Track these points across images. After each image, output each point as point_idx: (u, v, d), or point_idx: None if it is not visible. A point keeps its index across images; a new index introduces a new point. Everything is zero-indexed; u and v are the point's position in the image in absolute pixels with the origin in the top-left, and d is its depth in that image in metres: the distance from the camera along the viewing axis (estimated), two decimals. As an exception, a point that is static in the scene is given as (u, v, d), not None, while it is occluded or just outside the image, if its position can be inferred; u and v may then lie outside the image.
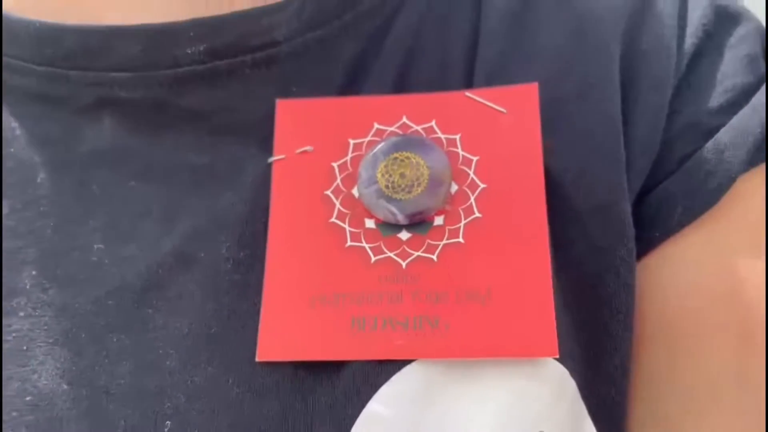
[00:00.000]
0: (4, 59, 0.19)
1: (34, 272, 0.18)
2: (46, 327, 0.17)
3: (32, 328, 0.17)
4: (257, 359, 0.16)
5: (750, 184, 0.18)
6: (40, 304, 0.17)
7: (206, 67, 0.18)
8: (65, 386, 0.16)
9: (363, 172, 0.17)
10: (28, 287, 0.17)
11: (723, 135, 0.18)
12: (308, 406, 0.16)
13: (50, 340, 0.17)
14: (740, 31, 0.19)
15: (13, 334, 0.17)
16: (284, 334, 0.16)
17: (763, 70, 0.19)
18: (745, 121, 0.18)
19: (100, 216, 0.18)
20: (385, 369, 0.16)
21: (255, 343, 0.16)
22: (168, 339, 0.17)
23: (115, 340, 0.17)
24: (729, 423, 0.16)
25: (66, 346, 0.17)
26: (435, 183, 0.17)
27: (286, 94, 0.18)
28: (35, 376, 0.17)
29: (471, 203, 0.17)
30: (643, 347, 0.18)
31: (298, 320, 0.16)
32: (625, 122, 0.18)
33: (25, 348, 0.17)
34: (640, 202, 0.18)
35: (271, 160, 0.18)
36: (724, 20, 0.19)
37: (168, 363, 0.16)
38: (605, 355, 0.17)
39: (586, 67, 0.18)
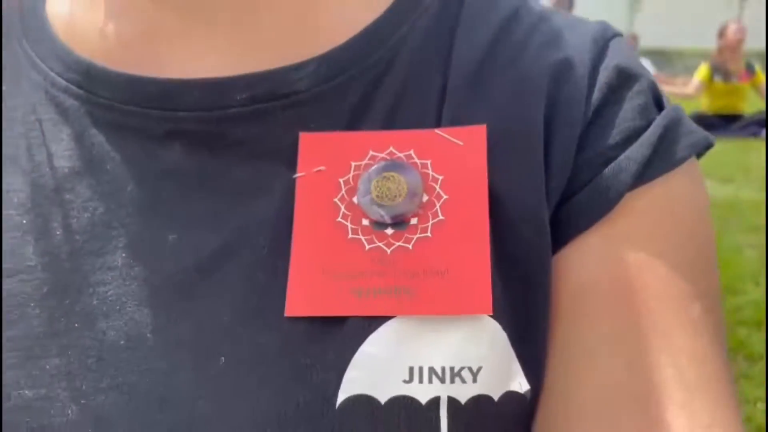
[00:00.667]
0: (95, 98, 0.26)
1: (124, 255, 0.24)
2: (132, 294, 0.24)
3: (123, 294, 0.24)
4: (286, 314, 0.23)
5: (637, 198, 0.25)
6: (129, 277, 0.24)
7: (249, 109, 0.25)
8: (148, 335, 0.23)
9: (360, 186, 0.24)
10: (119, 265, 0.24)
11: (618, 163, 0.25)
12: (320, 348, 0.23)
13: (136, 302, 0.24)
14: (637, 87, 0.26)
15: (110, 299, 0.24)
16: (305, 297, 0.23)
17: (653, 116, 0.26)
18: (634, 153, 0.25)
19: (172, 216, 0.25)
20: (374, 322, 0.22)
21: (283, 306, 0.23)
22: (221, 305, 0.24)
23: (181, 304, 0.24)
24: (602, 379, 0.23)
25: (147, 307, 0.24)
26: (412, 194, 0.24)
27: (307, 128, 0.25)
28: (126, 327, 0.24)
29: (437, 209, 0.24)
30: (554, 314, 0.25)
31: (314, 288, 0.23)
32: (546, 154, 0.25)
33: (118, 308, 0.24)
34: (558, 210, 0.25)
35: (295, 176, 0.25)
36: (625, 79, 0.26)
37: (222, 319, 0.23)
38: (530, 317, 0.24)
39: (520, 113, 0.25)
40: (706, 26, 18.12)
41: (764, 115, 5.10)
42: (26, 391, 0.23)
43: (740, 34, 5.08)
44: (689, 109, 5.49)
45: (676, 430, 0.22)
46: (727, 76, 5.13)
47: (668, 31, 18.09)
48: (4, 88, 0.28)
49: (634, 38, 7.30)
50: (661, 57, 18.30)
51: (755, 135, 5.02)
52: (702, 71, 5.21)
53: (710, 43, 18.11)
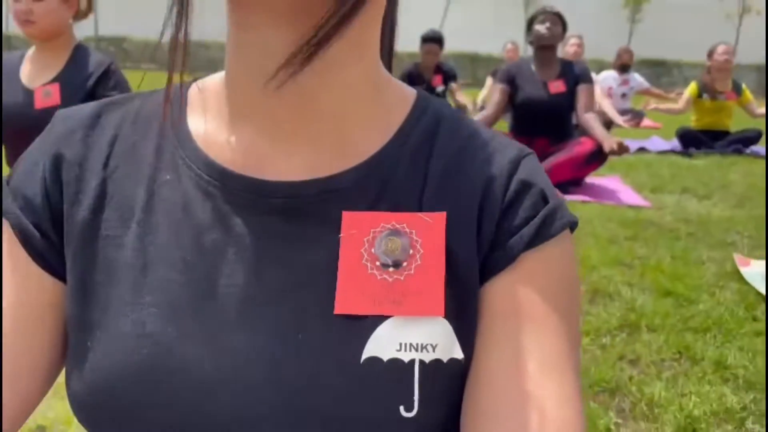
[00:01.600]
0: (227, 189, 0.46)
1: (242, 273, 0.44)
2: (252, 297, 0.44)
3: (246, 296, 0.44)
4: (335, 312, 0.43)
5: (527, 259, 0.45)
6: (250, 285, 0.44)
7: (317, 198, 0.44)
8: (260, 321, 0.44)
9: (376, 243, 0.44)
10: (242, 281, 0.44)
11: (517, 237, 0.45)
12: (351, 332, 0.43)
13: (256, 304, 0.44)
14: (532, 191, 0.46)
15: (237, 300, 0.44)
16: (345, 302, 0.43)
17: (540, 208, 0.46)
18: (526, 232, 0.45)
19: (273, 256, 0.45)
20: (382, 318, 0.43)
21: (333, 308, 0.43)
22: (303, 304, 0.44)
23: (276, 304, 0.44)
24: (499, 358, 0.43)
25: (257, 306, 0.44)
26: (403, 250, 0.44)
27: (347, 209, 0.45)
28: (246, 311, 0.44)
29: (417, 258, 0.44)
30: (479, 318, 0.45)
31: (350, 297, 0.43)
32: (478, 230, 0.45)
33: (242, 307, 0.44)
34: (484, 262, 0.45)
35: (340, 236, 0.45)
36: (525, 187, 0.46)
37: (301, 312, 0.44)
38: (465, 319, 0.44)
39: (465, 206, 0.45)
40: (705, 39, 18.26)
41: (748, 134, 5.33)
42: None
43: (727, 55, 5.29)
44: (678, 123, 5.71)
45: (537, 394, 0.41)
46: (714, 94, 5.35)
47: (667, 42, 18.35)
48: (168, 177, 0.47)
49: (628, 52, 7.50)
50: (659, 67, 18.58)
51: (739, 152, 5.24)
52: (691, 88, 5.43)
53: (704, 57, 18.04)
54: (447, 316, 0.42)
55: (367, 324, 0.41)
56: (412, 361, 0.41)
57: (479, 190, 0.45)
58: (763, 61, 17.36)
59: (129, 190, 0.45)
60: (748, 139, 5.29)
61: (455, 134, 0.48)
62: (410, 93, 0.50)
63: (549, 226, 0.45)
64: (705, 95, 5.35)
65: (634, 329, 1.67)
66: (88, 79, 2.10)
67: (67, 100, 2.07)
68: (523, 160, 0.47)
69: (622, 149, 3.17)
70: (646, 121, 7.54)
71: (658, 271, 2.13)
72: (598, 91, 5.61)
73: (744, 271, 2.12)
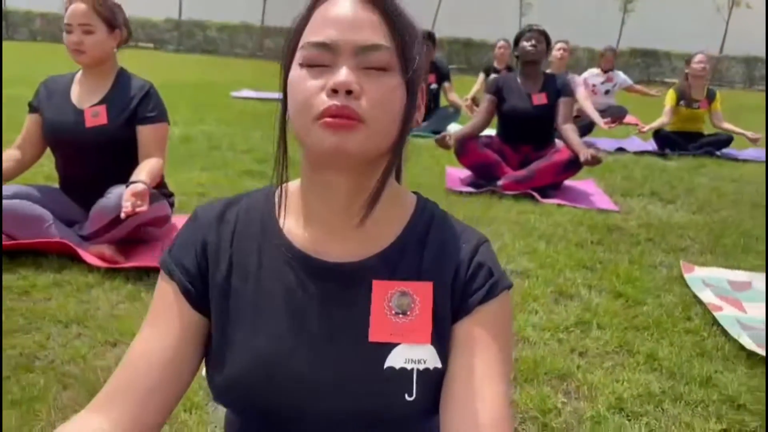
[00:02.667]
0: (308, 267, 0.81)
1: (315, 317, 0.80)
2: (315, 334, 0.80)
3: (312, 332, 0.80)
4: (369, 340, 0.78)
5: (479, 310, 0.80)
6: (313, 326, 0.79)
7: (358, 274, 0.81)
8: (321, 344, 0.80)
9: (392, 299, 0.80)
10: (316, 326, 0.80)
11: (473, 297, 0.80)
12: (378, 352, 0.78)
13: (318, 339, 0.80)
14: (484, 269, 0.81)
15: (312, 330, 0.80)
16: (376, 334, 0.79)
17: (488, 280, 0.82)
18: (479, 295, 0.79)
19: (331, 304, 0.80)
20: (396, 344, 0.78)
21: (367, 337, 0.79)
22: (350, 335, 0.80)
23: (329, 336, 0.80)
24: (462, 367, 0.78)
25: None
26: (408, 304, 0.79)
27: (377, 278, 0.80)
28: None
29: (416, 309, 0.79)
30: (451, 344, 0.80)
31: (378, 331, 0.79)
32: (452, 293, 0.80)
33: (311, 338, 0.80)
34: (454, 312, 0.80)
35: (371, 296, 0.80)
36: (480, 266, 0.81)
37: (347, 338, 0.79)
38: (442, 345, 0.79)
39: (446, 276, 0.81)
40: (695, 30, 18.53)
41: (720, 137, 5.71)
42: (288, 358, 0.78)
43: (704, 64, 5.64)
44: (657, 117, 6.03)
45: (482, 391, 0.76)
46: (690, 102, 5.71)
47: (658, 33, 18.68)
48: (268, 254, 0.83)
49: (612, 50, 7.82)
50: (649, 57, 18.92)
51: (710, 154, 5.62)
52: (671, 96, 5.78)
53: (698, 48, 18.57)
54: (432, 344, 0.76)
55: (388, 347, 0.75)
56: (413, 369, 0.75)
57: (453, 268, 0.80)
58: (751, 53, 17.75)
59: (246, 262, 0.79)
60: (719, 142, 5.67)
61: (440, 230, 0.83)
62: (413, 198, 0.85)
63: (493, 291, 0.79)
64: (682, 102, 5.71)
65: (587, 326, 2.05)
66: (131, 102, 2.44)
67: (113, 120, 2.42)
68: (480, 247, 0.82)
69: (596, 160, 3.53)
70: (629, 118, 7.89)
71: (615, 274, 2.51)
72: (582, 92, 5.97)
73: (687, 276, 2.50)
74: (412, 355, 0.77)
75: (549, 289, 2.34)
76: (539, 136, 3.92)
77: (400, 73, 0.74)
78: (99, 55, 2.42)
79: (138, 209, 2.09)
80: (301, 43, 0.76)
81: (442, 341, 0.77)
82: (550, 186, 3.81)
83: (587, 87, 7.86)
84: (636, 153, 5.57)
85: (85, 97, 2.46)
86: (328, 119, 0.70)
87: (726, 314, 2.14)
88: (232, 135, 5.21)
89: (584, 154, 3.55)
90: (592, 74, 7.93)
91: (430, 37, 6.08)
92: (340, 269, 0.78)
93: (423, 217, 0.84)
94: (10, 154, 2.48)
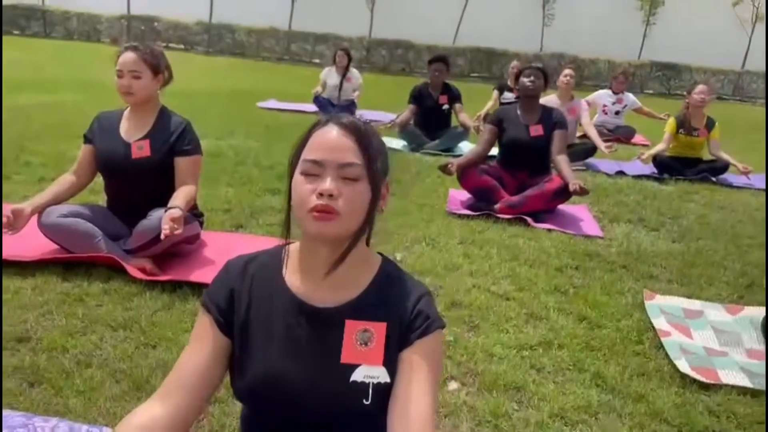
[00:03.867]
0: (302, 308, 1.20)
1: (301, 343, 1.18)
2: (295, 351, 1.18)
3: (294, 351, 1.18)
4: (341, 361, 1.17)
5: (420, 343, 1.17)
6: (296, 349, 1.18)
7: (335, 318, 1.19)
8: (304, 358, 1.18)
9: (358, 335, 1.17)
10: (304, 347, 1.19)
11: (415, 334, 1.17)
12: (347, 369, 1.16)
13: (301, 355, 1.18)
14: (423, 314, 1.16)
15: (281, 343, 1.18)
16: (346, 357, 1.17)
17: (427, 323, 1.19)
18: (419, 332, 1.18)
19: (309, 335, 1.19)
20: (358, 365, 1.16)
21: (339, 359, 1.17)
22: (324, 356, 1.18)
23: (312, 353, 1.18)
24: (400, 385, 1.15)
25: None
26: (370, 338, 1.16)
27: (347, 319, 1.19)
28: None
29: (373, 340, 1.17)
30: (399, 367, 1.18)
31: (348, 356, 1.17)
32: (400, 330, 1.17)
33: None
34: (400, 343, 1.18)
35: (344, 333, 1.18)
36: (420, 313, 1.18)
37: (322, 358, 1.17)
38: (392, 366, 1.17)
39: (397, 318, 1.18)
40: (718, 45, 18.62)
41: (717, 164, 6.00)
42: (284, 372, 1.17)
43: (704, 95, 5.93)
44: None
45: (417, 401, 1.13)
46: (689, 130, 6.01)
47: (681, 46, 18.77)
48: (276, 301, 1.22)
49: (624, 74, 8.11)
50: (670, 71, 19.06)
51: (706, 179, 5.92)
52: (671, 125, 6.08)
53: (719, 63, 18.84)
54: (384, 365, 1.15)
55: (353, 367, 1.14)
56: (369, 383, 1.14)
57: (401, 313, 1.19)
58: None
59: (260, 304, 1.19)
60: (716, 169, 5.96)
61: (394, 285, 1.22)
62: (378, 259, 1.24)
63: (428, 330, 1.18)
64: (682, 130, 6.01)
65: (548, 345, 2.42)
66: (171, 137, 2.86)
67: (155, 153, 2.83)
68: (422, 299, 1.21)
69: (583, 191, 3.88)
70: (638, 137, 8.18)
71: (584, 299, 2.87)
72: (586, 118, 6.30)
73: (647, 303, 2.85)
74: (369, 373, 1.16)
75: (523, 310, 2.71)
76: (535, 164, 4.27)
77: (368, 180, 1.13)
78: (145, 96, 2.84)
79: (175, 232, 2.51)
80: (302, 157, 1.15)
81: (391, 364, 1.16)
82: (544, 211, 4.16)
83: (599, 107, 8.18)
84: (635, 177, 5.87)
85: (132, 132, 2.88)
86: (316, 213, 1.09)
87: (672, 340, 2.49)
88: (258, 150, 5.63)
89: (573, 184, 3.90)
90: (604, 95, 8.25)
91: (444, 61, 6.47)
92: (323, 312, 1.18)
93: (383, 275, 1.23)
94: (66, 179, 2.91)
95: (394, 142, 6.38)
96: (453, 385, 2.10)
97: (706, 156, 6.12)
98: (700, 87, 6.05)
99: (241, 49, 20.60)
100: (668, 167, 5.99)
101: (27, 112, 6.58)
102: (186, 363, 1.19)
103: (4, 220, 2.59)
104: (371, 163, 1.14)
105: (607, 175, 5.88)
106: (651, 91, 18.87)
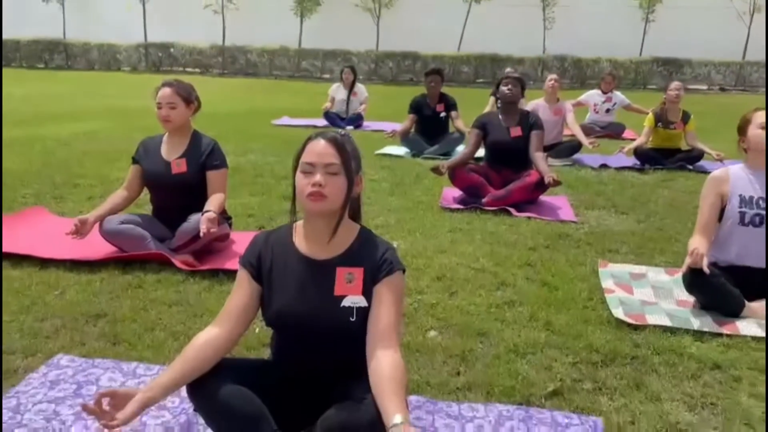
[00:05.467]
0: (305, 258, 1.81)
1: (297, 278, 1.81)
2: (295, 285, 1.80)
3: (298, 285, 1.81)
4: (335, 294, 1.78)
5: (387, 279, 1.77)
6: (299, 283, 1.80)
7: (328, 266, 1.81)
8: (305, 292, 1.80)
9: (345, 276, 1.80)
10: (298, 281, 1.81)
11: (383, 273, 1.78)
12: (338, 298, 1.78)
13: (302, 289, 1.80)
14: (388, 261, 1.77)
15: (293, 281, 1.81)
16: (338, 290, 1.78)
17: (392, 267, 1.80)
18: (385, 272, 1.79)
19: (311, 272, 1.80)
20: (347, 295, 1.79)
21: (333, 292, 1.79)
22: (319, 289, 1.80)
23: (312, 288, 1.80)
24: (375, 313, 1.76)
25: (289, 292, 1.80)
26: (355, 279, 1.79)
27: (338, 267, 1.81)
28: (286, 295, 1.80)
29: (356, 280, 1.80)
30: (373, 297, 1.79)
31: (340, 290, 1.79)
32: (372, 271, 1.79)
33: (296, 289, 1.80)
34: (373, 281, 1.78)
35: (336, 273, 1.81)
36: (386, 260, 1.77)
37: (318, 291, 1.79)
38: (368, 296, 1.78)
39: (372, 264, 1.78)
40: (717, 38, 19.01)
41: (694, 154, 6.54)
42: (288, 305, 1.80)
43: (678, 91, 6.50)
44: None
45: (385, 323, 1.73)
46: (666, 124, 6.57)
47: (680, 41, 19.17)
48: (291, 257, 1.85)
49: (611, 75, 8.67)
50: (671, 65, 19.48)
51: (683, 168, 6.46)
52: (649, 119, 6.65)
53: (720, 55, 19.38)
54: (363, 295, 1.79)
55: (343, 297, 1.79)
56: (354, 306, 1.78)
57: (374, 261, 1.82)
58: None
59: (278, 261, 1.85)
60: (691, 158, 6.50)
61: (369, 243, 1.86)
62: (357, 227, 1.88)
63: (392, 271, 1.81)
64: (660, 124, 6.57)
65: (512, 304, 3.01)
66: (202, 155, 3.51)
67: (191, 168, 3.49)
68: (387, 251, 1.84)
69: (556, 183, 4.48)
70: (628, 132, 8.72)
71: (548, 270, 3.46)
72: (570, 118, 6.88)
73: (600, 270, 3.42)
74: (353, 300, 1.77)
75: (496, 280, 3.31)
76: (517, 161, 4.87)
77: (345, 174, 1.76)
78: (180, 123, 3.50)
79: (211, 230, 3.15)
80: (300, 161, 1.78)
81: (368, 294, 1.78)
82: (527, 202, 4.75)
83: (590, 106, 8.75)
84: (617, 169, 6.42)
85: (171, 152, 3.54)
86: (311, 197, 1.72)
87: (614, 296, 3.06)
88: (273, 163, 6.29)
89: (548, 177, 4.49)
90: (594, 95, 8.81)
91: (439, 73, 7.10)
92: (321, 263, 1.81)
93: (361, 237, 1.86)
94: (119, 194, 3.57)
95: (398, 150, 7.00)
96: (432, 333, 2.70)
97: (685, 147, 6.66)
98: (674, 84, 6.61)
99: (254, 69, 21.41)
100: (649, 158, 6.54)
101: (66, 141, 7.31)
102: (231, 302, 1.83)
103: (74, 228, 3.25)
104: (347, 163, 1.78)
105: (592, 168, 6.45)
106: (654, 87, 19.27)
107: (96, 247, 3.43)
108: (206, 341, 1.77)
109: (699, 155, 6.47)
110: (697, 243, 2.94)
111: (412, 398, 2.17)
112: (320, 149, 1.77)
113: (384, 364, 1.67)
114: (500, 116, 4.95)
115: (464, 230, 4.19)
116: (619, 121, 8.83)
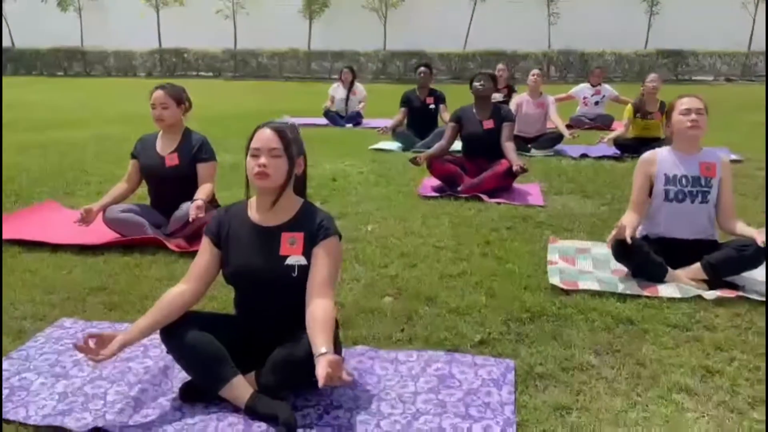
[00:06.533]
0: (254, 224, 2.22)
1: (249, 237, 2.21)
2: (247, 244, 2.21)
3: (248, 243, 2.21)
4: (280, 253, 2.18)
5: (323, 243, 2.15)
6: (250, 241, 2.21)
7: (276, 233, 2.21)
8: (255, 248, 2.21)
9: (288, 239, 2.21)
10: (250, 237, 2.21)
11: (321, 236, 2.17)
12: (283, 257, 2.18)
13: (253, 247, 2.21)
14: (325, 227, 2.17)
15: (245, 243, 2.21)
16: (283, 251, 2.19)
17: (328, 232, 2.19)
18: (323, 236, 2.19)
19: (261, 233, 2.21)
20: (291, 255, 2.20)
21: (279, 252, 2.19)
22: (266, 249, 2.20)
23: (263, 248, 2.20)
24: (314, 269, 2.16)
25: (243, 254, 2.21)
26: (297, 241, 2.20)
27: (284, 232, 2.22)
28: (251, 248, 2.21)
29: (298, 243, 2.19)
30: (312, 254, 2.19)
31: (285, 251, 2.19)
32: (310, 235, 2.20)
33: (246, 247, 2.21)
34: (312, 244, 2.18)
35: (281, 237, 2.21)
36: (323, 226, 2.17)
37: (266, 250, 2.19)
38: (308, 257, 2.17)
39: (311, 229, 2.19)
40: (723, 28, 19.12)
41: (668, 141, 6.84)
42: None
43: (655, 83, 6.81)
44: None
45: (322, 277, 2.12)
46: (645, 114, 6.90)
47: (685, 32, 19.32)
48: (243, 224, 2.25)
49: (600, 68, 8.98)
50: (676, 57, 19.62)
51: (660, 156, 6.76)
52: (628, 110, 6.98)
53: (725, 45, 19.55)
54: (303, 255, 2.19)
55: (287, 257, 2.19)
56: (296, 264, 2.19)
57: (313, 227, 2.23)
58: (775, 48, 18.29)
59: (235, 228, 2.27)
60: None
61: (310, 213, 2.27)
62: (301, 200, 2.29)
63: (327, 236, 2.22)
64: (638, 114, 6.90)
65: (463, 275, 3.39)
66: (193, 149, 3.94)
67: (182, 162, 3.92)
68: (324, 220, 2.25)
69: (523, 170, 4.84)
70: (616, 124, 9.00)
71: (503, 247, 3.82)
72: (553, 110, 7.22)
73: (550, 246, 3.78)
74: (295, 259, 2.18)
75: (454, 255, 3.69)
76: (490, 151, 5.23)
77: (286, 157, 2.16)
78: (172, 121, 3.92)
79: (199, 215, 3.57)
80: (250, 147, 2.19)
81: (308, 255, 2.18)
82: (501, 188, 5.12)
83: (579, 99, 9.07)
84: (597, 158, 6.75)
85: (165, 148, 3.97)
86: (257, 176, 2.14)
87: (556, 267, 3.43)
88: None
89: (515, 165, 4.86)
90: (584, 88, 9.13)
91: (428, 66, 7.49)
92: (270, 229, 2.21)
93: (303, 209, 2.26)
94: (120, 186, 4.01)
95: (391, 145, 7.39)
96: (387, 299, 3.10)
97: (664, 136, 6.96)
98: (652, 76, 6.93)
99: (265, 72, 21.93)
100: (628, 147, 6.86)
101: (82, 144, 7.81)
102: (196, 264, 2.24)
103: (80, 217, 3.69)
104: (288, 148, 2.17)
105: (572, 158, 6.79)
106: (660, 79, 19.50)
107: (100, 233, 3.87)
108: (175, 295, 2.19)
109: (675, 143, 6.77)
110: (627, 218, 3.30)
111: (358, 348, 2.57)
112: (265, 136, 2.17)
113: (317, 309, 2.06)
114: (474, 110, 5.32)
115: (435, 215, 4.57)
116: (608, 113, 9.13)
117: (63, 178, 5.78)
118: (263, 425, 2.05)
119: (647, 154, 3.46)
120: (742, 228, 3.21)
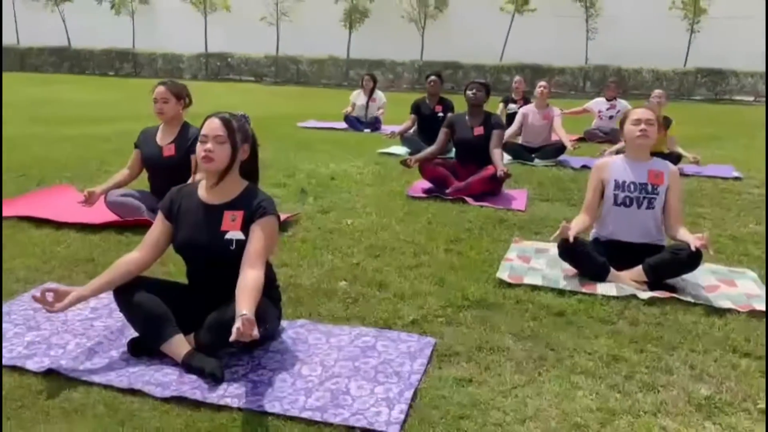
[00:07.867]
0: (204, 206, 2.52)
1: (196, 215, 2.52)
2: (193, 220, 2.51)
3: (197, 220, 2.51)
4: (221, 229, 2.48)
5: (260, 221, 2.45)
6: (198, 217, 2.51)
7: (220, 209, 2.50)
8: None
9: (229, 216, 2.50)
10: (198, 214, 2.51)
11: (259, 215, 2.46)
12: (223, 233, 2.48)
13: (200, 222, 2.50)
14: (264, 206, 2.48)
15: (192, 218, 2.51)
16: (224, 226, 2.49)
17: (265, 210, 2.48)
18: (260, 215, 2.47)
19: (207, 210, 2.52)
20: (230, 231, 2.49)
21: (220, 227, 2.49)
22: (210, 227, 2.50)
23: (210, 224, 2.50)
24: (251, 241, 2.47)
25: (190, 227, 2.51)
26: (237, 218, 2.49)
27: (226, 210, 2.52)
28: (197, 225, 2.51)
29: (237, 220, 2.49)
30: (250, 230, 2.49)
31: (226, 226, 2.49)
32: (249, 213, 2.49)
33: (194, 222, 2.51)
34: (251, 221, 2.48)
35: (224, 214, 2.51)
36: (261, 206, 2.48)
37: (208, 226, 2.49)
38: (247, 232, 2.49)
39: (250, 208, 2.49)
40: (761, 48, 18.76)
41: (671, 157, 6.92)
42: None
43: (658, 98, 6.93)
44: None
45: (257, 248, 2.40)
46: (646, 127, 6.99)
47: (726, 52, 19.05)
48: (193, 201, 2.55)
49: (614, 83, 9.08)
50: (716, 76, 19.36)
51: (661, 170, 6.84)
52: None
53: (762, 67, 19.01)
54: (241, 230, 2.49)
55: (227, 232, 2.49)
56: (234, 239, 2.49)
57: (252, 206, 2.52)
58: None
59: (185, 204, 2.59)
60: (671, 161, 6.80)
61: (251, 194, 2.57)
62: (245, 183, 2.59)
63: (264, 215, 2.50)
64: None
65: (420, 266, 3.62)
66: (188, 141, 4.29)
67: (178, 153, 4.27)
68: (263, 201, 2.54)
69: (507, 175, 5.06)
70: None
71: (469, 244, 4.04)
72: (557, 122, 7.39)
73: (512, 246, 3.99)
74: (234, 234, 2.48)
75: (419, 250, 3.93)
76: (480, 157, 5.45)
77: (230, 143, 2.47)
78: (171, 115, 4.28)
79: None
80: (201, 133, 2.50)
81: (246, 231, 2.47)
82: (488, 192, 5.33)
83: (594, 113, 9.18)
84: (597, 169, 6.87)
85: (164, 139, 4.33)
86: (203, 159, 2.45)
87: (509, 263, 3.63)
88: (278, 159, 7.06)
89: (499, 171, 5.07)
90: (600, 102, 9.24)
91: (438, 75, 7.75)
92: (215, 207, 2.52)
93: (246, 190, 2.55)
94: (123, 173, 4.39)
95: (399, 149, 7.66)
96: (342, 283, 3.36)
97: (667, 150, 7.05)
98: (656, 92, 7.06)
99: (305, 78, 22.49)
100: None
101: (108, 138, 8.31)
102: (150, 234, 2.56)
103: (83, 198, 4.07)
104: (232, 136, 2.47)
105: (573, 168, 6.93)
106: (699, 97, 19.23)
107: (101, 214, 4.25)
108: (128, 260, 2.50)
109: (677, 158, 6.85)
110: (577, 219, 3.50)
111: (300, 321, 2.84)
112: (212, 125, 2.48)
113: (247, 278, 2.34)
114: (467, 117, 5.56)
115: (417, 214, 4.82)
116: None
117: (86, 167, 6.23)
118: (194, 377, 2.34)
119: (601, 161, 3.65)
120: (683, 233, 3.36)
